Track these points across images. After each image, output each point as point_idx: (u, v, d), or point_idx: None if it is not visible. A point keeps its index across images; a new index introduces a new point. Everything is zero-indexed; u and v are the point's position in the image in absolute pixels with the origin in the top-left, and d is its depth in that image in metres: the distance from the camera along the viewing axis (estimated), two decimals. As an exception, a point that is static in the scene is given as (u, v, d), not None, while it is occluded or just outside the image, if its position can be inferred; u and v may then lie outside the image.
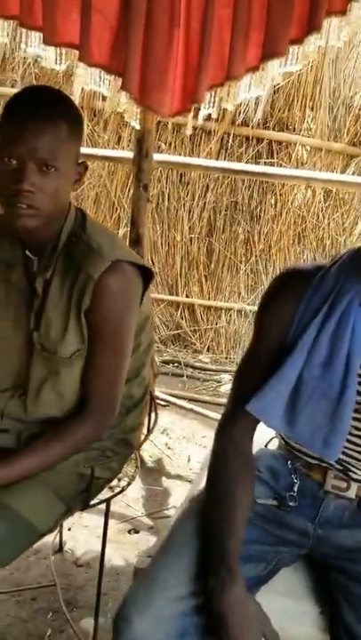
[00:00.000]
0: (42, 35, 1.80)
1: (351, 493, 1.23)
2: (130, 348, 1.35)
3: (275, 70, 1.72)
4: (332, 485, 1.24)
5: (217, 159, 3.70)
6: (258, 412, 1.17)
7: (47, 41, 1.80)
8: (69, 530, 2.15)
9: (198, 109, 1.82)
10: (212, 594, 1.06)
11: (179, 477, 2.59)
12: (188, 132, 1.84)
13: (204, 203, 3.81)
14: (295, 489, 1.26)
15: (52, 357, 1.30)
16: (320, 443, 1.17)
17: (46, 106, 1.18)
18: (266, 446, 1.41)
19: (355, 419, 1.17)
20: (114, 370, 1.33)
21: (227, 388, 3.45)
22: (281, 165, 3.68)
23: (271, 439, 1.42)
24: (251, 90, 1.74)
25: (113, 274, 1.24)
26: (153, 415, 1.67)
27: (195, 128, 3.54)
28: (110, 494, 1.53)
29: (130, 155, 2.40)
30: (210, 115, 1.86)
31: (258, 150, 3.72)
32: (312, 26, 1.65)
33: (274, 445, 1.40)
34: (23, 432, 1.36)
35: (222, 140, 3.72)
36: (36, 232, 1.24)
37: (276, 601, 1.19)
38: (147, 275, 1.35)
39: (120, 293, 1.27)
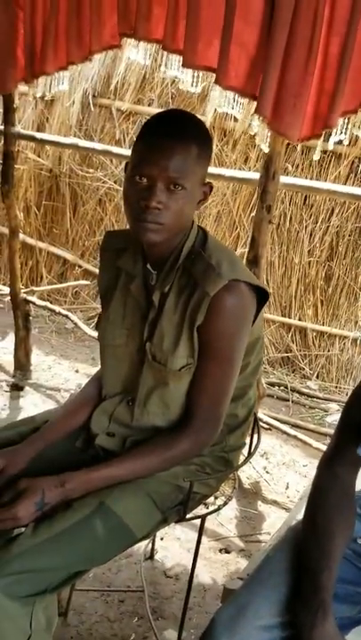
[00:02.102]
0: (181, 57, 1.89)
1: None
2: (238, 367, 1.36)
3: None
4: None
5: (345, 184, 3.62)
6: None
7: (187, 64, 1.88)
8: (162, 539, 2.18)
9: (330, 134, 1.80)
10: (303, 627, 1.04)
11: (275, 503, 2.53)
12: (316, 157, 1.83)
13: (328, 226, 3.74)
14: None
15: (162, 369, 1.34)
16: None
17: (179, 129, 1.24)
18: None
19: None
20: (220, 387, 1.34)
21: (333, 418, 3.33)
22: None
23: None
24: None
25: (229, 292, 1.26)
26: (255, 437, 1.66)
27: (324, 151, 3.49)
28: (206, 511, 1.54)
29: (256, 176, 2.41)
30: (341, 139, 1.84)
31: (389, 176, 3.59)
32: None
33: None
34: (128, 438, 1.40)
35: (352, 164, 3.64)
36: (159, 246, 1.30)
37: (368, 648, 1.13)
38: (262, 295, 1.35)
39: (234, 312, 1.28)
